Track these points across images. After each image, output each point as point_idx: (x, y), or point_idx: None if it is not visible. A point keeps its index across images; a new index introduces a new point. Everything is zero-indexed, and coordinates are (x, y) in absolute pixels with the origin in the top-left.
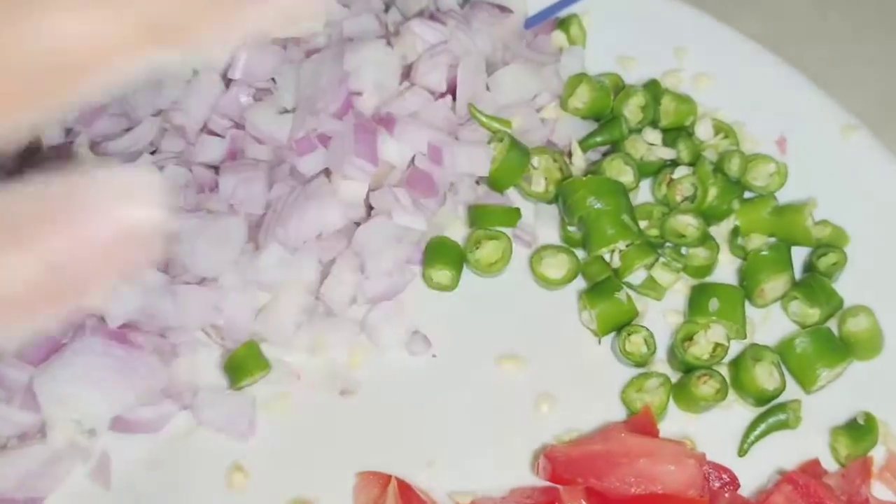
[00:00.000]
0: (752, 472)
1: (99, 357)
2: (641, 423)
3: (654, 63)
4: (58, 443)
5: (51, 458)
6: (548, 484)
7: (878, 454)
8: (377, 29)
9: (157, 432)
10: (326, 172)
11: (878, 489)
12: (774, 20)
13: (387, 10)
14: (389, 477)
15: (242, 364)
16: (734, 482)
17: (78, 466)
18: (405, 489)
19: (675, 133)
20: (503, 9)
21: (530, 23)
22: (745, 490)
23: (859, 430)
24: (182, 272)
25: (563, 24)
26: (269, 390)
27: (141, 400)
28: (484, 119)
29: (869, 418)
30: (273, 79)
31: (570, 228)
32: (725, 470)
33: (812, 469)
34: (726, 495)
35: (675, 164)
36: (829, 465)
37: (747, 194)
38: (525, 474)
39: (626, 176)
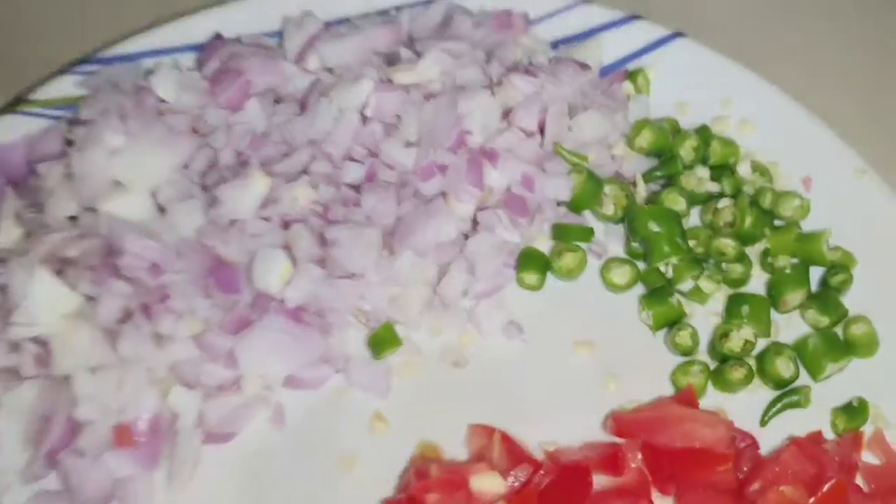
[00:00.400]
0: (770, 439)
1: (279, 332)
2: (686, 398)
3: (705, 110)
4: (249, 393)
5: (243, 404)
6: (614, 438)
7: (868, 430)
8: (482, 79)
9: (317, 389)
10: (443, 194)
11: (866, 456)
12: (807, 72)
13: (488, 60)
14: (493, 429)
15: (381, 340)
16: (755, 445)
17: (262, 411)
18: (506, 438)
19: (721, 170)
20: (583, 65)
21: (604, 72)
22: (763, 450)
23: (854, 410)
24: (338, 269)
25: (631, 75)
26: (401, 360)
27: (306, 364)
28: (566, 154)
29: (862, 402)
30: (399, 116)
31: (634, 245)
32: (749, 435)
33: (815, 438)
34: (748, 454)
35: (720, 195)
36: (829, 436)
37: (777, 222)
38: (596, 432)
39: (680, 205)
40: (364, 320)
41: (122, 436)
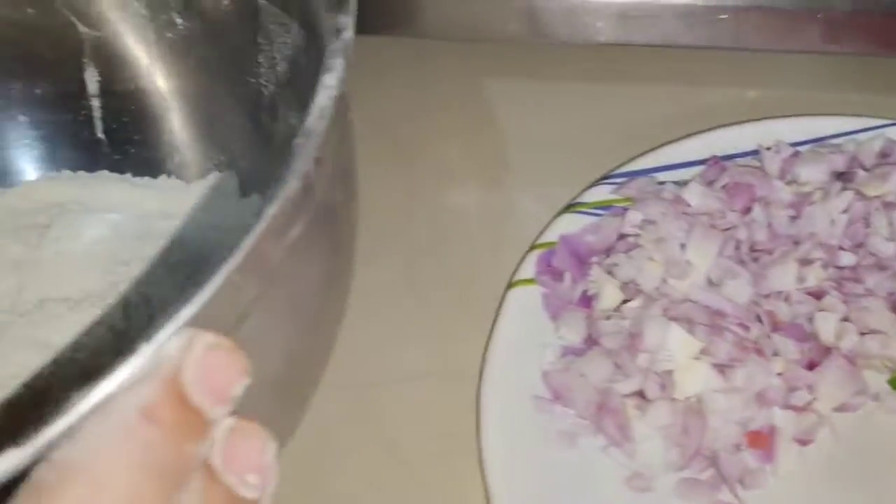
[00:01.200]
0: None
1: (837, 370)
2: None
3: None
4: (820, 412)
5: (817, 421)
6: None
7: None
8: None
9: (854, 412)
10: None
11: None
12: None
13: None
14: None
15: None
16: None
17: (825, 426)
18: None
19: None
20: None
21: None
22: None
23: None
24: (863, 327)
25: None
26: None
27: (853, 394)
28: None
29: None
30: (865, 219)
31: None
32: None
33: None
34: None
35: None
36: None
37: None
38: None
39: None
40: (889, 364)
41: (755, 440)
